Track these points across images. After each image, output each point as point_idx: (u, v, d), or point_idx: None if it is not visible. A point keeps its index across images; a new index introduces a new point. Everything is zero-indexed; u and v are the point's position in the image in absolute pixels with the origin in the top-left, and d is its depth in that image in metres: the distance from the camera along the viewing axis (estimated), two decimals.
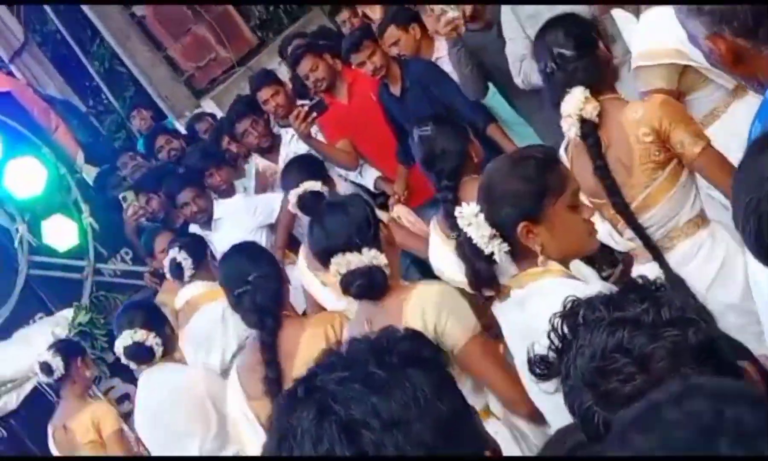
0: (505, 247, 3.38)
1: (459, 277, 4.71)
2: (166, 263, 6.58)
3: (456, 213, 3.49)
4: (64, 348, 6.67)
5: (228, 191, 7.92)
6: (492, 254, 3.39)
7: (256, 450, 4.35)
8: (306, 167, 6.22)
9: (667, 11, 4.61)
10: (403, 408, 1.61)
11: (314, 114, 7.00)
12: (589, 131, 4.18)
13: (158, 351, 5.66)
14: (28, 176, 8.33)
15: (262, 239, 7.27)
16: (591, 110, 4.17)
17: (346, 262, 3.88)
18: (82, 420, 6.41)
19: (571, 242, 3.41)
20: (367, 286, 3.89)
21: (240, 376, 4.50)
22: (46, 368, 6.54)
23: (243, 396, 4.44)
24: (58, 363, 6.48)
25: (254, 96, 8.05)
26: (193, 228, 7.74)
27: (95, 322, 8.11)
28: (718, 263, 4.18)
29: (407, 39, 7.10)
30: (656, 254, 4.21)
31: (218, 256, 6.50)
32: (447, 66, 6.81)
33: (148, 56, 12.37)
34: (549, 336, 1.80)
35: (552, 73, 4.29)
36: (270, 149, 7.91)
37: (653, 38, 4.63)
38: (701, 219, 4.25)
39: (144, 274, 8.18)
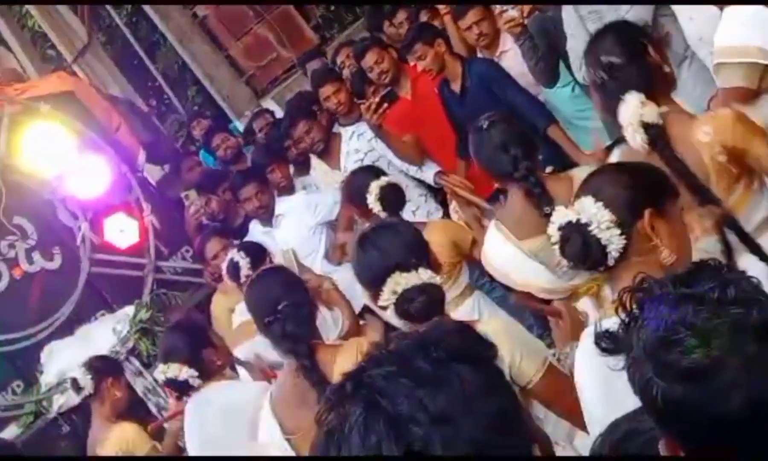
0: (623, 240, 3.19)
1: (525, 278, 4.74)
2: (224, 264, 6.49)
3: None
4: (97, 366, 6.61)
5: (288, 188, 7.96)
6: (605, 247, 3.20)
7: None
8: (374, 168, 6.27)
9: (752, 8, 4.58)
10: (450, 403, 1.60)
11: (386, 105, 7.03)
12: (657, 134, 4.00)
13: (194, 382, 5.33)
14: (90, 175, 8.40)
15: (322, 236, 7.29)
16: (651, 113, 4.00)
17: (403, 281, 3.76)
18: (109, 447, 6.34)
19: (681, 247, 3.25)
20: (427, 303, 3.73)
21: (275, 409, 4.38)
22: (75, 385, 6.53)
23: (279, 430, 4.33)
24: (87, 382, 6.47)
25: (315, 93, 8.08)
26: (252, 229, 7.81)
27: (156, 319, 8.14)
28: None
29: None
30: (754, 246, 4.05)
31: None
32: (511, 60, 6.81)
33: (210, 56, 12.48)
34: (616, 310, 1.79)
35: (603, 83, 4.22)
36: (327, 150, 7.91)
37: (736, 34, 4.56)
38: None
39: (204, 272, 8.22)
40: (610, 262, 3.20)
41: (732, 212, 3.91)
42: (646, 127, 4.01)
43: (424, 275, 3.77)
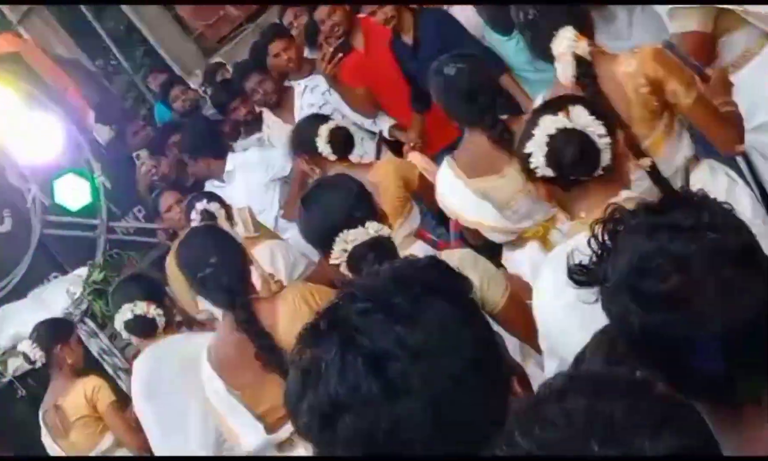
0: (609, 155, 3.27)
1: (475, 216, 4.75)
2: (196, 215, 6.35)
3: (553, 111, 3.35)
4: (44, 336, 6.54)
5: (251, 129, 7.99)
6: (599, 153, 3.25)
7: (248, 435, 4.27)
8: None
9: None
10: (428, 338, 1.58)
11: (340, 55, 7.01)
12: (586, 70, 4.09)
13: (161, 322, 5.38)
14: (39, 136, 8.29)
15: (275, 193, 7.24)
16: (585, 48, 4.10)
17: (352, 237, 3.72)
18: (74, 397, 6.35)
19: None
20: (379, 256, 3.65)
21: (215, 365, 4.34)
22: (27, 358, 6.50)
23: (222, 385, 4.31)
24: (37, 354, 6.44)
25: (265, 50, 8.02)
26: (207, 187, 7.74)
27: (109, 280, 8.04)
28: (723, 190, 4.10)
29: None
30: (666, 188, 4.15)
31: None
32: (462, 11, 6.81)
33: (157, 16, 12.35)
34: (589, 243, 1.78)
35: (535, 19, 4.25)
36: (281, 104, 7.85)
37: None
38: (695, 158, 4.22)
39: (157, 231, 8.17)
40: (599, 172, 3.25)
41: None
42: (578, 61, 4.07)
43: (371, 229, 3.75)
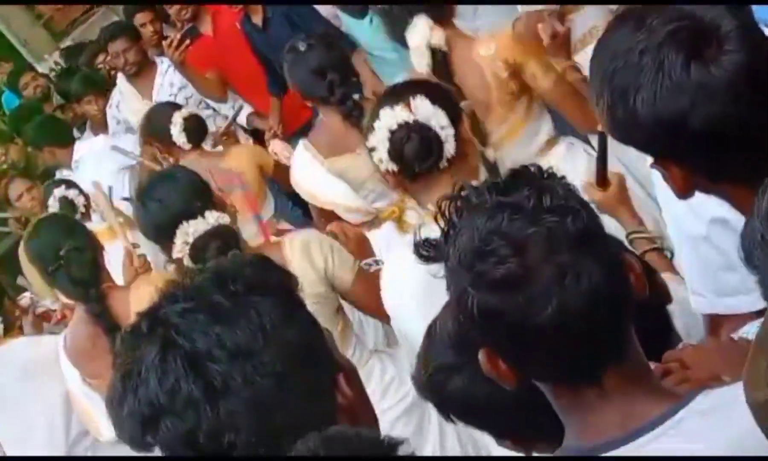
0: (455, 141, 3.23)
1: (330, 197, 4.75)
2: (54, 202, 6.23)
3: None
4: None
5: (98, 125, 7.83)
6: (443, 145, 3.19)
7: (108, 424, 4.24)
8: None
9: None
10: (249, 337, 1.57)
11: (187, 41, 6.90)
12: (442, 60, 4.11)
13: None
14: None
15: (125, 181, 7.12)
16: (439, 38, 4.11)
17: (192, 228, 3.68)
18: None
19: None
20: (223, 247, 3.63)
21: (70, 355, 4.34)
22: None
23: (78, 375, 4.31)
24: None
25: (129, 21, 7.89)
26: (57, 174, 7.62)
27: None
28: (583, 167, 4.13)
29: None
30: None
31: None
32: None
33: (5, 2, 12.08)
34: (436, 219, 1.76)
35: (390, 8, 4.26)
36: (141, 76, 7.68)
37: None
38: (554, 138, 4.28)
39: (8, 220, 8.00)
40: (444, 163, 3.19)
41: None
42: (433, 51, 4.07)
43: (211, 218, 3.72)
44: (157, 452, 1.59)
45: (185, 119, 5.67)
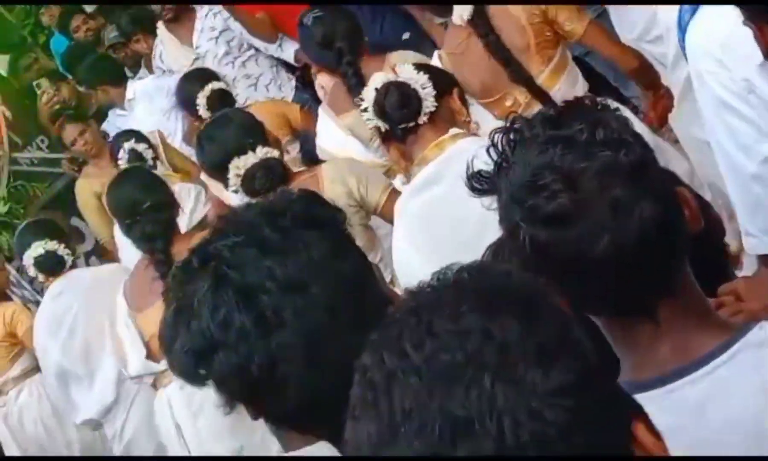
0: (434, 102, 3.59)
1: (346, 153, 4.91)
2: (124, 155, 6.24)
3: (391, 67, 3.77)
4: None
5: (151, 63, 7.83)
6: (421, 101, 3.55)
7: (133, 360, 4.41)
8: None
9: None
10: (299, 270, 1.57)
11: None
12: (480, 11, 4.25)
13: (68, 261, 5.57)
14: None
15: (178, 119, 7.14)
16: None
17: (243, 163, 4.08)
18: None
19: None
20: (268, 176, 4.07)
21: (126, 292, 4.64)
22: None
23: (125, 307, 4.58)
24: None
25: None
26: (110, 114, 7.65)
27: (15, 212, 7.98)
28: None
29: None
30: None
31: None
32: None
33: None
34: (488, 151, 1.74)
35: None
36: (179, 22, 7.66)
37: None
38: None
39: (62, 161, 8.04)
40: (422, 118, 3.56)
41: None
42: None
43: (260, 153, 4.12)
44: (209, 385, 1.60)
45: (207, 98, 5.93)
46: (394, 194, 4.11)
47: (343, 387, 1.21)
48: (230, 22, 7.30)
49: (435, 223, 3.57)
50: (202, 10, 7.51)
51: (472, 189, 1.78)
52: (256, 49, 7.28)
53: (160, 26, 7.70)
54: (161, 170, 6.17)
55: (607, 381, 1.24)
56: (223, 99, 5.98)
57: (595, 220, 1.62)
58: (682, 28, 2.98)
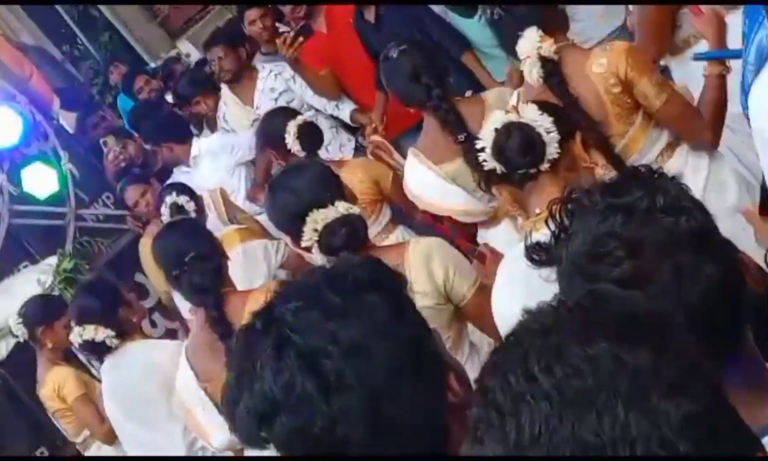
0: (558, 147, 3.25)
1: (449, 203, 4.74)
2: (165, 209, 6.33)
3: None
4: (28, 314, 6.46)
5: (213, 121, 7.92)
6: (545, 146, 3.23)
7: (218, 433, 4.29)
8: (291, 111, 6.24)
9: None
10: (361, 333, 1.59)
11: (301, 39, 6.93)
12: (553, 69, 4.10)
13: (112, 342, 5.31)
14: (4, 125, 8.22)
15: (242, 176, 7.22)
16: (548, 48, 4.08)
17: (322, 216, 3.73)
18: (46, 390, 6.35)
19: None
20: (351, 234, 3.72)
21: (189, 359, 4.41)
22: (11, 332, 6.54)
23: (194, 378, 4.36)
24: (21, 331, 6.42)
25: (241, 19, 7.98)
26: (175, 171, 7.74)
27: (80, 268, 8.04)
28: (705, 172, 4.13)
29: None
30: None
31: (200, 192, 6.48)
32: None
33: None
34: (546, 223, 1.76)
35: (500, 18, 4.27)
36: (241, 83, 7.78)
37: None
38: (675, 141, 4.18)
39: (126, 217, 8.13)
40: (545, 165, 3.21)
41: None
42: (543, 61, 4.06)
43: (341, 208, 3.76)
44: (272, 450, 1.61)
45: (299, 127, 5.70)
46: (484, 292, 3.70)
47: (401, 444, 1.22)
48: (291, 83, 7.37)
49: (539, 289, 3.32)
50: (263, 71, 7.61)
51: (531, 260, 1.79)
52: (316, 110, 7.33)
53: (223, 87, 7.82)
54: (220, 227, 6.24)
55: (733, 412, 1.23)
56: (313, 133, 5.81)
57: (659, 285, 1.62)
58: (745, 91, 2.97)
